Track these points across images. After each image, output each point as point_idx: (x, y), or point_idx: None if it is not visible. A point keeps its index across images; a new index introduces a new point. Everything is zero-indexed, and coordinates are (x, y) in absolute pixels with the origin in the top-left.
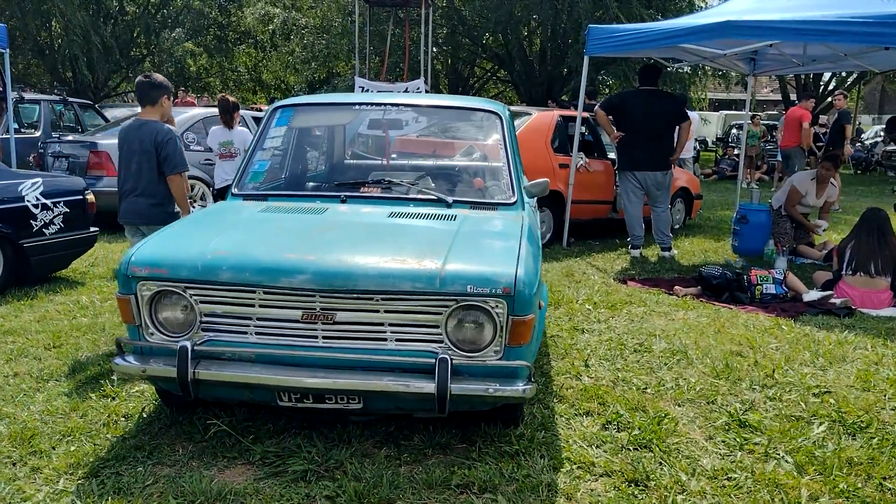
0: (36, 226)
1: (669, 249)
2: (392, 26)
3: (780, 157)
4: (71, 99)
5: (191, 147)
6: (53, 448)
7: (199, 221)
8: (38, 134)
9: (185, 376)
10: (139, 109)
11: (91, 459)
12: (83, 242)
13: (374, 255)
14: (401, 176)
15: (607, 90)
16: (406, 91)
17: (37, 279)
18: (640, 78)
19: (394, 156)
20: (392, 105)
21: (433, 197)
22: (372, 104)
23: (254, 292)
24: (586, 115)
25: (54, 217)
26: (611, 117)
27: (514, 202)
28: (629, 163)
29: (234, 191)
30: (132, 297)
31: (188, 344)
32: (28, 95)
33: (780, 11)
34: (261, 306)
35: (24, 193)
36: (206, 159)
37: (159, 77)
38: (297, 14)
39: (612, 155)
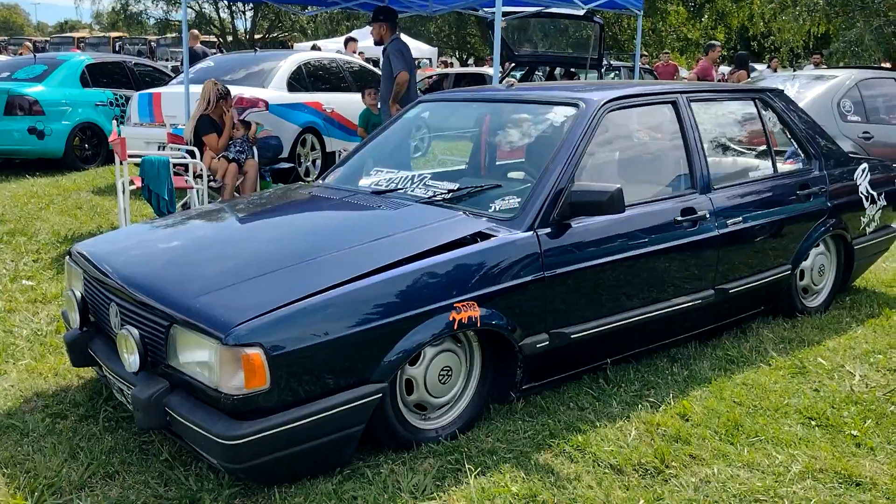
0: (862, 222)
1: None
2: None
3: None
4: None
5: (848, 117)
6: None
7: None
8: None
9: None
10: None
11: None
12: (886, 245)
13: None
14: None
15: None
16: None
17: (842, 289)
18: None
19: None
20: None
21: None
22: None
23: None
24: None
25: (875, 213)
26: None
27: None
28: None
29: None
30: None
31: None
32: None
33: None
34: None
35: (858, 182)
36: (863, 132)
37: None
38: None
39: None
